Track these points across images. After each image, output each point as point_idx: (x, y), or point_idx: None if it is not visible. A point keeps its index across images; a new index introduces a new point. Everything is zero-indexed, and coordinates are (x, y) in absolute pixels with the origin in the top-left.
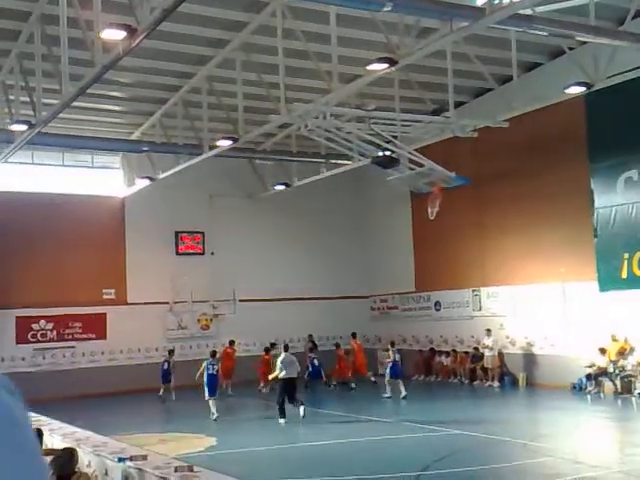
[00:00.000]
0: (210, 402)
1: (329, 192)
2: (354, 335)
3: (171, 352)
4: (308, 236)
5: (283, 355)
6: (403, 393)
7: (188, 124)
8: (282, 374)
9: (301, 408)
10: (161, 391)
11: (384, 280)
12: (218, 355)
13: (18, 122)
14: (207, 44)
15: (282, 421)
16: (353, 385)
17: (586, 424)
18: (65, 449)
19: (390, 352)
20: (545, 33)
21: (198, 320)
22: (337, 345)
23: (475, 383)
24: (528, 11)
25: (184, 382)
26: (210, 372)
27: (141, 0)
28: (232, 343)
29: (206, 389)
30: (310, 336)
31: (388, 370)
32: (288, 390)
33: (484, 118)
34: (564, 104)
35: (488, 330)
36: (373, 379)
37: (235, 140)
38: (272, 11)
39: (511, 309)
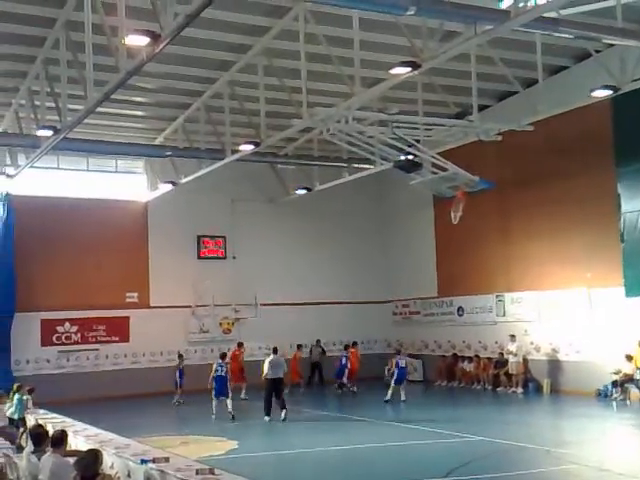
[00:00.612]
0: (213, 402)
1: (351, 196)
2: (355, 344)
3: (181, 356)
4: (330, 240)
5: (271, 357)
6: (403, 397)
7: (210, 129)
8: (269, 374)
9: (283, 412)
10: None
11: (406, 285)
12: (227, 358)
13: (44, 127)
14: (229, 49)
15: (267, 418)
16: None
17: (611, 431)
18: (89, 450)
19: (394, 360)
20: (571, 36)
21: (220, 324)
22: (346, 347)
23: (499, 389)
24: (553, 14)
25: (205, 386)
26: (218, 374)
27: (165, 6)
28: (240, 345)
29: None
30: (318, 341)
31: (395, 376)
32: (274, 389)
33: (508, 122)
34: (590, 107)
35: (512, 336)
36: (354, 389)
37: (257, 144)
38: (295, 16)
39: (536, 315)
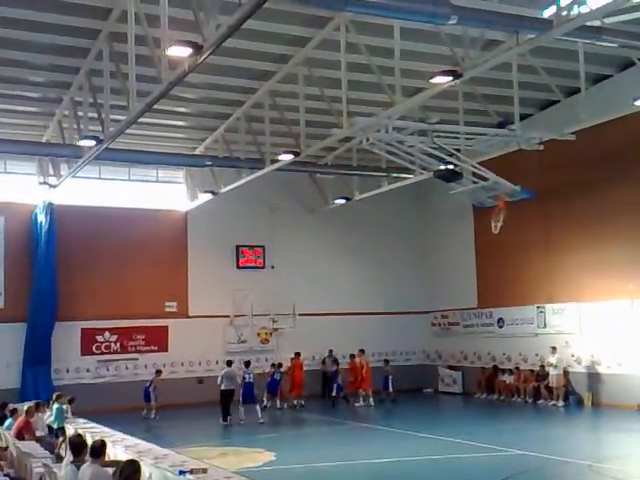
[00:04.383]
0: (241, 409)
1: (390, 206)
2: (362, 351)
3: (158, 372)
4: (369, 250)
5: (226, 369)
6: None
7: (250, 139)
8: (222, 386)
9: (226, 421)
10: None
11: (445, 295)
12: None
13: (86, 138)
14: (270, 59)
15: (223, 423)
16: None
17: None
18: (129, 461)
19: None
20: (614, 44)
21: (258, 334)
22: (352, 356)
23: (539, 402)
24: (597, 22)
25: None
26: (246, 381)
27: (207, 17)
28: (298, 355)
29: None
30: (331, 352)
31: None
32: (225, 399)
33: (550, 131)
34: (634, 116)
35: (553, 348)
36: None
37: (297, 154)
38: (336, 26)
39: (577, 326)
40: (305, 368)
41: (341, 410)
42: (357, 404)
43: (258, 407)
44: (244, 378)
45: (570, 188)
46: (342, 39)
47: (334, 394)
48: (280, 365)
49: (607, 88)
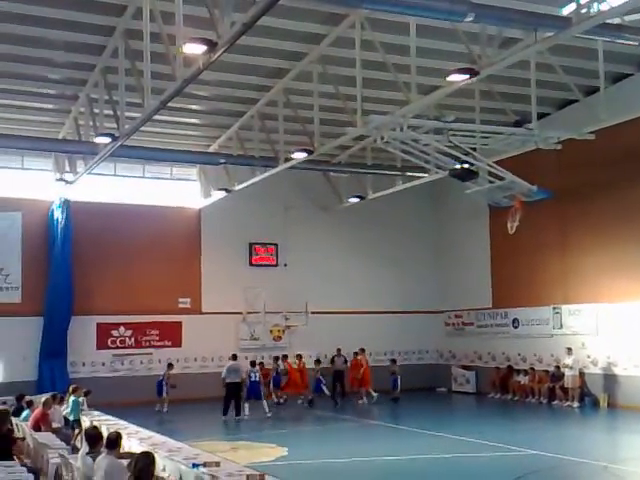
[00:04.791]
0: (246, 405)
1: (404, 205)
2: (363, 350)
3: (170, 366)
4: (382, 249)
5: (230, 362)
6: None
7: (264, 137)
8: (227, 379)
9: (236, 417)
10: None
11: (460, 295)
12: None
13: (102, 135)
14: (285, 57)
15: (223, 418)
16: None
17: None
18: (144, 453)
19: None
20: (635, 43)
21: (270, 331)
22: (355, 354)
23: (554, 403)
24: (617, 20)
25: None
26: (252, 379)
27: (222, 14)
28: (300, 358)
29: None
30: (339, 350)
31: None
32: (232, 392)
33: (568, 130)
34: None
35: (569, 349)
36: (310, 398)
37: (310, 152)
38: (351, 23)
39: (593, 327)
40: (313, 366)
41: (352, 408)
42: (360, 402)
43: (265, 402)
44: (250, 377)
45: (588, 188)
46: (357, 36)
47: (324, 392)
48: (285, 357)
49: (627, 87)
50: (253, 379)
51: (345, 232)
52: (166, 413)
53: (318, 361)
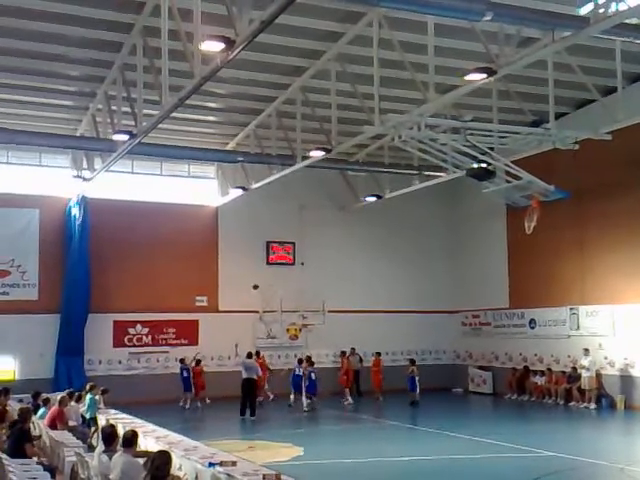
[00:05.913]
0: (291, 396)
1: (421, 204)
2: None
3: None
4: (399, 248)
5: (243, 360)
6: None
7: (282, 135)
8: (243, 375)
9: (252, 417)
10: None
11: (476, 295)
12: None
13: (120, 132)
14: (302, 55)
15: (241, 417)
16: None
17: None
18: (161, 452)
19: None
20: None
21: (287, 330)
22: (378, 354)
23: (570, 404)
24: (635, 20)
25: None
26: (296, 373)
27: (240, 12)
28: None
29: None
30: (353, 349)
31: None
32: (246, 390)
33: (586, 130)
34: None
35: (586, 350)
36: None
37: (328, 151)
38: (369, 21)
39: (611, 329)
40: (330, 366)
41: (369, 408)
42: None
43: (304, 398)
44: (294, 371)
45: (606, 188)
46: (375, 35)
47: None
48: (309, 359)
49: None
50: (297, 373)
51: (362, 231)
52: (193, 409)
53: (306, 361)
